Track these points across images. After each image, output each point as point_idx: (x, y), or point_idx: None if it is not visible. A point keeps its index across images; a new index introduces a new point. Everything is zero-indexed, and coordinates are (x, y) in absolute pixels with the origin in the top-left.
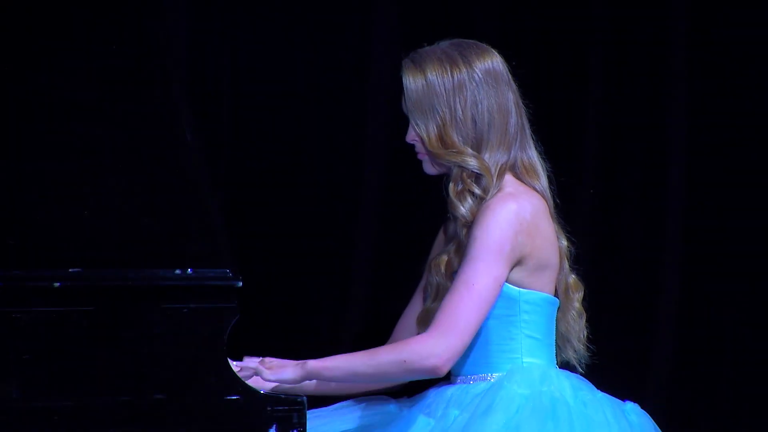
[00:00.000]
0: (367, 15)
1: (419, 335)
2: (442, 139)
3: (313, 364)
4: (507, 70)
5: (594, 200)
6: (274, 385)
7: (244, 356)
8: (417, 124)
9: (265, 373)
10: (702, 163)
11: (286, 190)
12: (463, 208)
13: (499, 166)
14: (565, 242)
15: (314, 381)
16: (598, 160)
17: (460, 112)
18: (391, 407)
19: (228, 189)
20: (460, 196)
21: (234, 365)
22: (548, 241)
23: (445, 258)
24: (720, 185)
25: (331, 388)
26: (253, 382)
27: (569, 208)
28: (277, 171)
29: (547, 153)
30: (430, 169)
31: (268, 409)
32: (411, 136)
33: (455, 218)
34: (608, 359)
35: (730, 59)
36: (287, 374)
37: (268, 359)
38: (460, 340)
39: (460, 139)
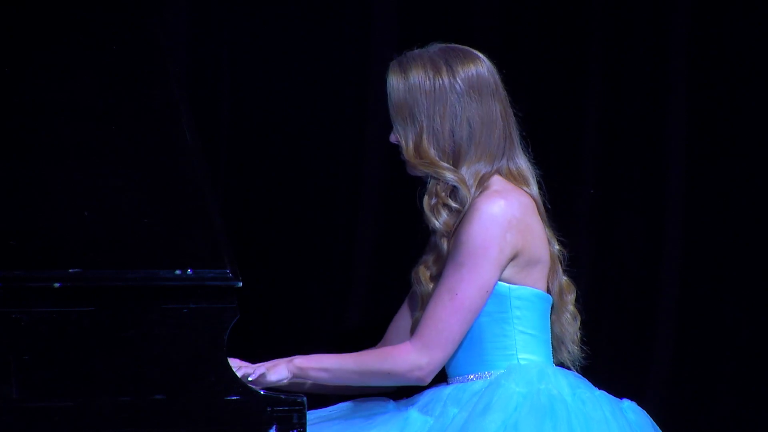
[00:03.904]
0: (368, 15)
1: (403, 344)
2: (417, 149)
3: (300, 362)
4: (496, 78)
5: (594, 200)
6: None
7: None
8: (397, 130)
9: (269, 375)
10: (702, 163)
11: (286, 190)
12: (437, 222)
13: (479, 176)
14: (557, 246)
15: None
16: (598, 160)
17: (438, 122)
18: (390, 407)
19: (228, 189)
20: (434, 209)
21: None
22: (538, 237)
23: (423, 268)
24: (720, 185)
25: (328, 389)
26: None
27: (569, 208)
28: (277, 171)
29: (547, 153)
30: (411, 170)
31: (268, 409)
32: (394, 138)
33: (432, 230)
34: (608, 359)
35: (730, 59)
36: (283, 372)
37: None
38: (443, 352)
39: (437, 152)
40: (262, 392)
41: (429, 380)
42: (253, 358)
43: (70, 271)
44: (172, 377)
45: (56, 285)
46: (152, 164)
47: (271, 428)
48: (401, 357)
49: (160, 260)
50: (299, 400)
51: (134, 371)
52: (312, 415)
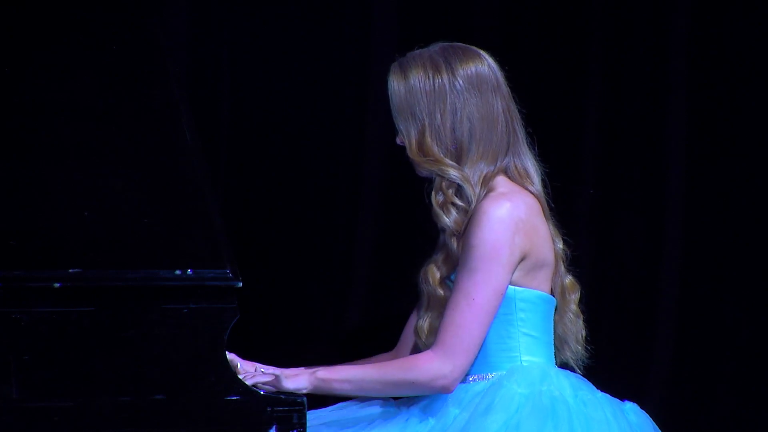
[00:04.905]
0: (368, 15)
1: (426, 353)
2: (421, 147)
3: (323, 374)
4: (498, 75)
5: (594, 200)
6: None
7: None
8: (400, 130)
9: (285, 382)
10: (702, 163)
11: (286, 190)
12: (447, 220)
13: (483, 176)
14: (560, 244)
15: None
16: (598, 160)
17: (438, 119)
18: (391, 407)
19: (228, 189)
20: (443, 207)
21: (245, 371)
22: (544, 239)
23: (433, 267)
24: (720, 185)
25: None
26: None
27: (569, 208)
28: (277, 171)
29: (547, 153)
30: (418, 170)
31: (268, 409)
32: (400, 140)
33: (441, 228)
34: (608, 360)
35: (730, 59)
36: (303, 383)
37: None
38: (466, 358)
39: (440, 148)
40: (261, 392)
41: (453, 388)
42: (253, 358)
43: (70, 271)
44: (172, 377)
45: (56, 285)
46: (152, 164)
47: (271, 428)
48: (425, 366)
49: (160, 260)
50: (299, 400)
51: (134, 371)
52: (312, 415)
